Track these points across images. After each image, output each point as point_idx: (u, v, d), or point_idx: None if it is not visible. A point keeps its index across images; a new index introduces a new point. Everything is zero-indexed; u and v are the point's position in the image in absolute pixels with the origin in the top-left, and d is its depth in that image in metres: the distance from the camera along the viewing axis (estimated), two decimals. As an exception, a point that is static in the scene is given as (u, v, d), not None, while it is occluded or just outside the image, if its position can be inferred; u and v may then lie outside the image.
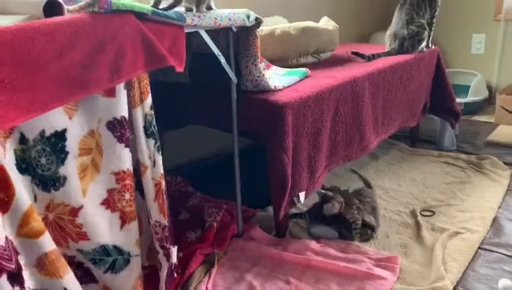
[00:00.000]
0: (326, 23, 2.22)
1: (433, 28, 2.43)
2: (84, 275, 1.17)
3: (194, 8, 1.32)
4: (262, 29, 2.02)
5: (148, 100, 1.19)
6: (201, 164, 2.38)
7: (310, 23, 2.11)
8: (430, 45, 2.44)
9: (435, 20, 2.41)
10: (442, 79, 2.56)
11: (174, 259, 1.31)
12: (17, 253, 0.98)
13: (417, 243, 1.69)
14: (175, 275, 1.36)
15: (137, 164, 1.21)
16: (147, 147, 1.20)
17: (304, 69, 1.88)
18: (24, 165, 0.98)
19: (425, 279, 1.48)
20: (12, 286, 0.95)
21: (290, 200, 1.63)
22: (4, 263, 0.94)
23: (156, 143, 1.22)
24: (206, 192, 2.01)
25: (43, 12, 1.05)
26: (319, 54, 2.18)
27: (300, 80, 1.81)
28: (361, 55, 2.18)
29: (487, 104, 3.43)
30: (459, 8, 3.54)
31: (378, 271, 1.49)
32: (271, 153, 1.54)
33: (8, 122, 0.92)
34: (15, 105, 0.93)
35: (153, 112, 1.21)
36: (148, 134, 1.20)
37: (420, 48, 2.34)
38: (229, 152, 1.67)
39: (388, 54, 2.32)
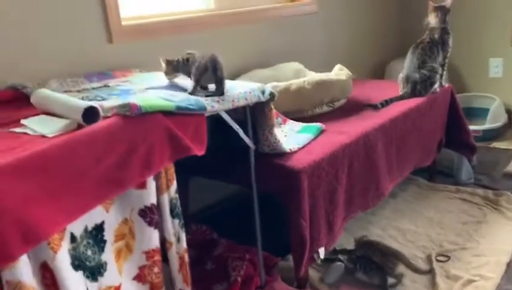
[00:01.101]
0: (339, 72, 2.32)
1: (445, 68, 2.50)
2: None
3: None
4: (279, 85, 2.15)
5: (174, 186, 1.33)
6: (225, 205, 2.51)
7: (323, 76, 2.22)
8: (443, 83, 2.52)
9: (447, 60, 2.48)
10: (457, 115, 2.63)
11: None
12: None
13: (432, 293, 1.77)
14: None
15: (162, 241, 1.35)
16: (173, 227, 1.35)
17: (318, 125, 1.99)
18: (77, 262, 1.13)
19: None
20: None
21: (310, 257, 1.74)
22: None
23: (180, 221, 1.36)
24: (230, 235, 2.13)
25: (82, 117, 1.20)
26: (334, 102, 2.28)
27: (315, 138, 1.92)
28: (374, 106, 2.26)
29: (507, 128, 3.45)
30: (476, 32, 3.58)
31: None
32: (289, 215, 1.65)
33: (58, 226, 1.07)
34: (62, 210, 1.08)
35: (177, 195, 1.35)
36: (173, 215, 1.34)
37: (433, 89, 2.41)
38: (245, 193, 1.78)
39: (401, 98, 2.40)
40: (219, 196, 2.48)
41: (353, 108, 2.30)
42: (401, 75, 2.50)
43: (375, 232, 2.21)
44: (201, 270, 1.92)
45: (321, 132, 1.98)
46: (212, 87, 1.51)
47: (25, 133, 1.21)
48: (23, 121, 1.28)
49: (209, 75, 1.46)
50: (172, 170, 1.32)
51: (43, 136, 1.16)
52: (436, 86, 2.43)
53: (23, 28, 1.70)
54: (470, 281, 1.79)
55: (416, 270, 1.91)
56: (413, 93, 2.41)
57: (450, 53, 2.48)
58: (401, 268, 1.91)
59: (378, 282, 1.82)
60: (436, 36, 2.43)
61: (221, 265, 1.93)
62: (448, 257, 1.97)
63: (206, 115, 1.41)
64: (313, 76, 2.23)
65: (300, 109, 2.19)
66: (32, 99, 1.40)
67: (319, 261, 1.79)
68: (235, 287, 1.76)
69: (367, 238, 2.00)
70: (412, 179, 2.72)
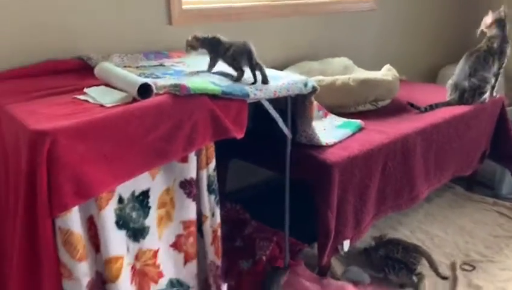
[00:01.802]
0: (386, 72, 2.34)
1: (499, 78, 2.45)
2: None
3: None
4: (324, 80, 2.21)
5: (212, 163, 1.44)
6: (260, 189, 2.61)
7: (369, 75, 2.26)
8: (494, 94, 2.47)
9: (502, 70, 2.43)
10: (505, 127, 2.57)
11: (224, 293, 1.56)
12: (104, 283, 1.28)
13: (450, 299, 1.80)
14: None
15: (199, 214, 1.47)
16: (209, 201, 1.46)
17: (358, 122, 2.04)
18: (121, 222, 1.27)
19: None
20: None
21: (334, 248, 1.81)
22: (95, 291, 1.24)
23: (215, 197, 1.48)
24: (261, 217, 2.23)
25: (137, 92, 1.33)
26: (377, 102, 2.31)
27: (353, 134, 1.97)
28: (417, 108, 2.27)
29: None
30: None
31: (405, 322, 1.64)
32: (317, 205, 1.73)
33: (107, 186, 1.21)
34: (113, 173, 1.21)
35: (215, 173, 1.46)
36: (210, 191, 1.46)
37: (482, 99, 2.38)
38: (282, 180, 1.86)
39: (447, 104, 2.38)
40: (255, 179, 2.57)
41: (397, 109, 2.32)
42: (450, 82, 2.47)
43: (403, 233, 2.25)
44: (230, 246, 2.03)
45: (360, 129, 2.03)
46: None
47: (86, 101, 1.36)
48: (86, 90, 1.43)
49: (244, 61, 1.55)
50: (212, 149, 1.43)
51: (102, 106, 1.30)
52: (486, 96, 2.39)
53: (94, 5, 1.85)
54: (492, 293, 1.81)
55: (436, 272, 1.93)
56: (460, 100, 2.39)
57: (505, 63, 2.42)
58: (422, 266, 1.93)
59: (406, 281, 1.87)
60: (495, 45, 2.38)
61: (249, 244, 2.04)
62: (474, 267, 1.98)
63: (249, 101, 1.50)
64: (359, 74, 2.26)
65: (343, 104, 2.24)
66: (96, 71, 1.55)
67: (342, 253, 1.86)
68: (260, 265, 1.87)
69: (386, 236, 2.03)
70: (450, 187, 2.71)
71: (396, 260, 1.91)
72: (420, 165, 2.09)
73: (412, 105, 2.30)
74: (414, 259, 1.93)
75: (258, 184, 2.62)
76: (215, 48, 1.60)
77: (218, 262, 1.52)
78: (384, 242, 2.01)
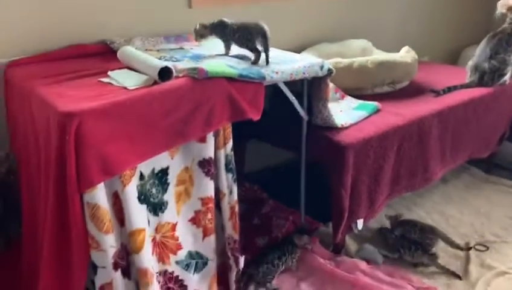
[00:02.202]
0: (405, 54, 2.34)
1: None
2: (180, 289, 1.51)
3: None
4: (342, 62, 2.23)
5: (229, 144, 1.51)
6: (279, 168, 2.67)
7: (387, 57, 2.26)
8: (515, 76, 2.45)
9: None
10: (525, 110, 2.55)
11: (241, 265, 1.64)
12: (128, 254, 1.37)
13: (462, 278, 1.84)
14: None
15: (217, 191, 1.54)
16: (226, 179, 1.53)
17: (374, 104, 2.06)
18: (142, 197, 1.35)
19: (460, 312, 1.65)
20: (124, 278, 1.35)
21: (348, 226, 1.87)
22: (119, 261, 1.33)
23: (233, 176, 1.54)
24: (278, 197, 2.30)
25: (158, 75, 1.40)
26: (395, 84, 2.32)
27: (369, 116, 2.00)
28: (436, 92, 2.27)
29: None
30: None
31: (416, 299, 1.69)
32: (331, 185, 1.78)
33: (130, 164, 1.29)
34: (135, 152, 1.29)
35: (232, 153, 1.52)
36: (227, 169, 1.52)
37: (501, 81, 2.36)
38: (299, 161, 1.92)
39: (466, 86, 2.38)
40: (273, 161, 2.63)
41: (414, 91, 2.33)
42: (470, 63, 2.46)
43: (418, 214, 2.28)
44: (248, 224, 2.11)
45: (377, 111, 2.05)
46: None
47: (110, 84, 1.43)
48: (109, 73, 1.50)
49: (259, 41, 1.59)
50: (229, 129, 1.50)
51: (125, 88, 1.37)
52: (506, 78, 2.37)
53: (116, -11, 1.92)
54: (504, 273, 1.84)
55: (452, 244, 1.97)
56: (480, 82, 2.37)
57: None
58: (438, 246, 1.97)
59: (420, 261, 1.91)
60: None
61: (266, 222, 2.11)
62: (487, 247, 2.01)
63: (265, 84, 1.55)
64: (377, 55, 2.27)
65: (360, 86, 2.26)
66: (118, 55, 1.62)
67: (356, 231, 1.91)
68: (275, 241, 1.94)
69: (402, 216, 2.07)
70: (467, 168, 2.71)
71: (413, 240, 1.96)
72: (436, 146, 2.11)
73: (432, 91, 2.29)
74: (430, 240, 1.97)
75: (275, 166, 2.67)
76: (224, 32, 1.65)
77: (236, 236, 1.59)
78: (401, 222, 2.05)
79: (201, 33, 1.66)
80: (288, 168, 2.64)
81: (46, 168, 1.29)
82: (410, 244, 1.93)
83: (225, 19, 1.66)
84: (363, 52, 2.59)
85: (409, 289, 1.74)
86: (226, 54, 1.68)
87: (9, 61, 1.70)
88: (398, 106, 2.11)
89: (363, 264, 1.87)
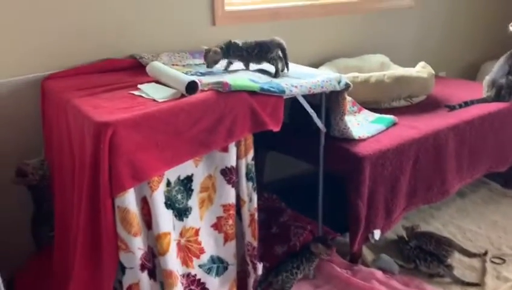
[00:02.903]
0: (421, 69, 2.40)
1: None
2: None
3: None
4: (359, 76, 2.30)
5: (251, 153, 1.59)
6: (297, 180, 2.72)
7: (404, 72, 2.32)
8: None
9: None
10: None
11: (259, 272, 1.70)
12: (154, 256, 1.45)
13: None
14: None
15: (237, 199, 1.62)
16: (247, 188, 1.61)
17: (391, 118, 2.12)
18: (168, 202, 1.44)
19: (474, 324, 1.67)
20: (150, 279, 1.43)
21: (365, 236, 1.92)
22: (146, 263, 1.42)
23: (253, 184, 1.62)
24: (296, 208, 2.36)
25: (185, 89, 1.49)
26: (412, 98, 2.37)
27: (387, 129, 2.06)
28: (451, 107, 2.31)
29: None
30: None
31: (431, 309, 1.72)
32: (348, 196, 1.84)
33: (158, 171, 1.38)
34: (163, 160, 1.38)
35: (253, 162, 1.60)
36: (248, 178, 1.60)
37: (519, 95, 2.39)
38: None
39: (483, 100, 2.41)
40: (291, 172, 2.69)
41: (431, 105, 2.37)
42: (487, 78, 2.49)
43: (435, 226, 2.31)
44: (266, 233, 2.18)
45: (393, 124, 2.11)
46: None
47: (140, 96, 1.53)
48: (139, 86, 1.61)
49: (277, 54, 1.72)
50: (250, 140, 1.58)
51: (154, 100, 1.47)
52: (524, 92, 2.40)
53: (145, 8, 2.03)
54: (520, 286, 1.85)
55: (469, 254, 2.00)
56: (496, 97, 2.41)
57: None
58: (453, 258, 2.00)
59: (436, 272, 1.94)
60: None
61: (285, 231, 2.17)
62: (504, 260, 2.02)
63: (285, 97, 1.63)
64: (394, 70, 2.33)
65: (377, 100, 2.32)
66: (147, 69, 1.72)
67: (372, 242, 1.96)
68: (294, 250, 2.00)
69: (418, 228, 2.11)
70: (485, 182, 2.72)
71: (428, 252, 1.99)
72: (452, 160, 2.15)
73: (448, 106, 2.33)
74: (446, 252, 2.00)
75: (294, 176, 2.73)
76: (240, 52, 1.74)
77: (255, 243, 1.66)
78: (417, 234, 2.09)
79: (215, 59, 1.72)
80: (306, 179, 2.70)
81: (80, 173, 1.39)
82: (425, 255, 1.96)
83: (235, 40, 1.74)
84: (380, 67, 2.65)
85: (424, 299, 1.77)
86: (246, 69, 1.78)
87: (46, 75, 1.83)
88: (415, 120, 2.16)
89: (379, 274, 1.91)
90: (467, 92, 2.55)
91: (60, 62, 1.87)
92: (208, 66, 1.74)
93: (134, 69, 1.90)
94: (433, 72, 2.43)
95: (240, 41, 1.74)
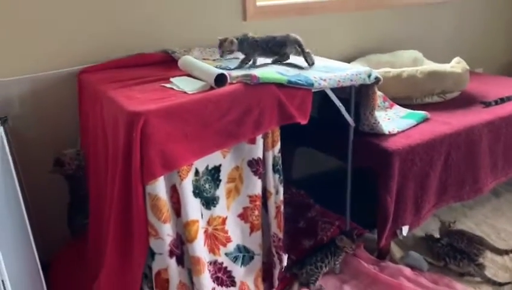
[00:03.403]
0: (455, 65, 2.34)
1: None
2: (228, 279, 1.61)
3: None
4: (391, 71, 2.27)
5: (277, 146, 1.60)
6: (326, 177, 2.72)
7: (437, 67, 2.28)
8: None
9: None
10: None
11: (284, 263, 1.71)
12: (183, 243, 1.49)
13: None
14: (286, 274, 1.77)
15: (264, 191, 1.64)
16: (273, 180, 1.63)
17: (423, 113, 2.09)
18: (197, 191, 1.47)
19: (506, 324, 1.63)
20: (178, 265, 1.47)
21: (393, 232, 1.90)
22: (174, 249, 1.46)
23: (280, 177, 1.63)
24: (324, 204, 2.36)
25: (214, 81, 1.52)
26: (445, 94, 2.32)
27: (418, 124, 2.03)
28: (487, 103, 2.25)
29: None
30: None
31: (460, 307, 1.69)
32: (377, 191, 1.83)
33: (187, 161, 1.42)
34: (192, 150, 1.42)
35: (279, 155, 1.62)
36: (274, 170, 1.62)
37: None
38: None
39: (521, 97, 2.34)
40: (319, 169, 2.68)
41: (465, 102, 2.32)
42: (525, 74, 2.41)
43: (467, 225, 2.25)
44: (294, 227, 2.19)
45: (425, 119, 2.08)
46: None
47: (172, 88, 1.58)
48: (171, 79, 1.65)
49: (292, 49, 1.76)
50: (277, 132, 1.59)
51: (184, 92, 1.51)
52: None
53: (177, 4, 2.08)
54: (556, 288, 1.79)
55: (500, 252, 1.97)
56: (535, 94, 2.33)
57: None
58: (485, 257, 1.96)
59: (467, 270, 1.90)
60: None
61: (312, 225, 2.18)
62: (539, 262, 1.96)
63: (313, 90, 1.64)
64: (426, 66, 2.29)
65: (409, 96, 2.29)
66: (179, 63, 1.77)
67: (400, 237, 1.93)
68: (321, 244, 2.00)
69: (452, 226, 2.07)
70: (522, 182, 2.63)
71: (459, 250, 1.95)
72: (486, 157, 2.09)
73: (484, 103, 2.27)
74: (477, 251, 1.96)
75: (322, 173, 2.72)
76: (254, 45, 1.73)
77: (280, 235, 1.68)
78: (449, 232, 2.05)
79: (230, 49, 1.72)
80: (335, 176, 2.69)
81: (113, 162, 1.45)
82: (456, 253, 1.92)
83: (249, 33, 1.75)
84: (413, 63, 2.61)
85: (453, 297, 1.74)
86: (254, 64, 1.76)
87: (82, 68, 1.90)
88: (447, 116, 2.12)
89: (407, 270, 1.89)
90: (505, 88, 2.47)
91: (95, 56, 1.94)
92: (221, 56, 1.74)
93: (166, 63, 1.95)
94: (468, 67, 2.37)
95: (255, 35, 1.75)
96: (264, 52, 1.75)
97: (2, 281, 0.91)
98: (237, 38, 1.72)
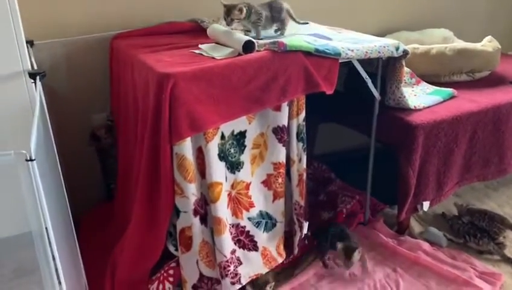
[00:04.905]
0: (487, 43, 2.30)
1: None
2: (250, 243, 1.66)
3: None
4: (419, 47, 2.25)
5: (302, 114, 1.63)
6: (348, 154, 2.73)
7: (467, 45, 2.24)
8: None
9: None
10: None
11: (305, 230, 1.75)
12: (207, 203, 1.54)
13: (530, 268, 1.81)
14: (305, 241, 1.81)
15: (288, 159, 1.67)
16: (297, 148, 1.65)
17: (450, 90, 2.07)
18: (222, 155, 1.52)
19: (523, 301, 1.64)
20: (201, 224, 1.53)
21: (413, 206, 1.91)
22: (199, 208, 1.51)
23: (303, 145, 1.66)
24: (346, 180, 2.38)
25: (242, 48, 1.55)
26: (474, 73, 2.29)
27: (444, 101, 2.01)
28: (515, 82, 2.22)
29: None
30: None
31: (478, 282, 1.70)
32: (400, 164, 1.83)
33: (214, 124, 1.45)
34: (218, 113, 1.46)
35: (304, 123, 1.64)
36: (298, 138, 1.65)
37: None
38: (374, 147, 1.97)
39: (553, 78, 2.28)
40: (342, 145, 2.69)
41: (494, 81, 2.27)
42: (560, 55, 2.35)
43: (490, 206, 2.24)
44: (314, 199, 2.22)
45: (452, 97, 2.06)
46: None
47: (201, 54, 1.61)
48: (200, 46, 1.68)
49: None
50: (303, 101, 1.61)
51: (213, 58, 1.54)
52: None
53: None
54: None
55: None
56: None
57: None
58: (507, 237, 1.95)
59: (486, 249, 1.90)
60: None
61: (332, 198, 2.20)
62: (561, 244, 1.94)
63: (340, 61, 1.64)
64: (456, 44, 2.26)
65: (437, 73, 2.26)
66: (208, 31, 1.79)
67: (421, 212, 1.95)
68: (340, 216, 2.03)
69: (471, 206, 2.06)
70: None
71: (480, 228, 1.95)
72: (513, 137, 2.06)
73: (511, 82, 2.23)
74: (498, 229, 1.95)
75: (345, 150, 2.73)
76: (257, 17, 1.69)
77: (302, 202, 1.71)
78: (470, 210, 2.05)
79: (239, 18, 1.66)
80: (358, 153, 2.70)
81: (143, 122, 1.50)
82: (476, 231, 1.92)
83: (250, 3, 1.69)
84: (443, 42, 2.56)
85: (471, 273, 1.75)
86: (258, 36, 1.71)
87: (115, 33, 1.96)
88: (475, 94, 2.09)
89: (425, 245, 1.90)
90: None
91: (126, 23, 1.99)
92: (228, 24, 1.67)
93: (195, 32, 1.98)
94: (499, 46, 2.32)
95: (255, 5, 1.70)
96: (267, 20, 1.71)
97: (46, 228, 0.98)
98: (246, 7, 1.66)
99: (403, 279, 1.75)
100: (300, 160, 1.68)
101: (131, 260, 1.57)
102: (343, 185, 2.35)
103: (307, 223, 1.76)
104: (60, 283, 1.04)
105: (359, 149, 2.73)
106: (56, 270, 1.03)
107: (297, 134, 1.64)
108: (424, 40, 2.55)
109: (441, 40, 2.59)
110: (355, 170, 2.34)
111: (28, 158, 0.85)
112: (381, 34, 2.56)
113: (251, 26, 1.71)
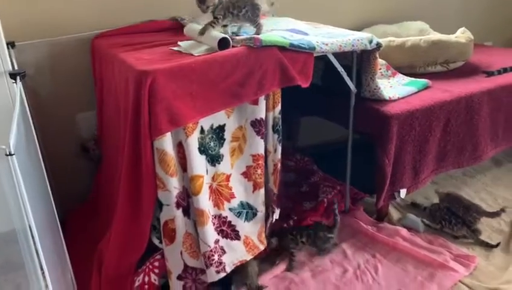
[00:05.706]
0: (460, 35, 2.37)
1: None
2: (232, 233, 1.70)
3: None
4: (395, 40, 2.31)
5: (278, 107, 1.68)
6: (329, 146, 2.78)
7: (441, 37, 2.31)
8: None
9: None
10: None
11: (276, 216, 1.80)
12: (189, 196, 1.59)
13: (502, 251, 1.88)
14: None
15: (264, 149, 1.72)
16: (273, 139, 1.71)
17: (424, 81, 2.14)
18: (202, 148, 1.56)
19: (495, 279, 1.71)
20: (184, 216, 1.57)
21: (390, 194, 1.98)
22: (181, 201, 1.56)
23: (278, 137, 1.72)
24: (328, 171, 2.43)
25: (217, 44, 1.60)
26: (448, 64, 2.36)
27: (419, 91, 2.08)
28: (489, 73, 2.28)
29: None
30: None
31: (453, 264, 1.77)
32: (376, 153, 1.90)
33: (192, 119, 1.50)
34: (196, 108, 1.50)
35: (280, 116, 1.69)
36: (274, 130, 1.70)
37: None
38: (353, 139, 2.03)
39: (524, 67, 2.36)
40: (324, 139, 2.74)
41: (468, 71, 2.35)
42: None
43: (466, 192, 2.31)
44: (297, 191, 2.29)
45: (426, 87, 2.13)
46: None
47: (179, 51, 1.66)
48: (179, 42, 1.73)
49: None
50: (278, 94, 1.66)
51: (191, 54, 1.59)
52: None
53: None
54: (547, 249, 1.85)
55: (491, 215, 2.04)
56: (539, 64, 2.35)
57: None
58: (480, 224, 2.02)
59: (462, 234, 1.97)
60: None
61: (314, 189, 2.27)
62: (534, 226, 2.02)
63: (315, 55, 1.70)
64: (430, 36, 2.32)
65: (413, 65, 2.33)
66: (185, 30, 1.83)
67: (398, 200, 2.01)
68: (321, 206, 2.09)
69: (451, 192, 2.13)
70: (524, 153, 2.68)
71: (456, 215, 2.02)
72: (486, 125, 2.14)
73: (486, 72, 2.30)
74: (473, 218, 2.01)
75: (326, 143, 2.78)
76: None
77: (275, 190, 1.77)
78: (448, 196, 2.11)
79: (213, 3, 1.64)
80: (340, 145, 2.76)
81: (124, 119, 1.55)
82: (452, 217, 1.99)
83: None
84: (420, 34, 2.63)
85: (447, 256, 1.82)
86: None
87: (95, 34, 1.99)
88: (449, 84, 2.16)
89: (403, 231, 1.97)
90: (509, 60, 2.49)
91: (107, 23, 2.03)
92: (204, 12, 1.66)
93: (176, 30, 2.03)
94: (472, 37, 2.39)
95: None
96: (233, 14, 1.68)
97: (29, 225, 1.02)
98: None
99: (382, 264, 1.82)
100: (275, 150, 1.73)
101: (117, 254, 1.61)
102: (325, 176, 2.41)
103: (279, 209, 1.80)
104: (44, 278, 1.07)
105: (341, 141, 2.78)
106: (40, 266, 1.06)
107: (273, 126, 1.70)
108: (401, 33, 2.62)
109: (417, 33, 2.66)
110: (337, 161, 2.40)
111: (8, 153, 0.89)
112: (359, 27, 2.62)
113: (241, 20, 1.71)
